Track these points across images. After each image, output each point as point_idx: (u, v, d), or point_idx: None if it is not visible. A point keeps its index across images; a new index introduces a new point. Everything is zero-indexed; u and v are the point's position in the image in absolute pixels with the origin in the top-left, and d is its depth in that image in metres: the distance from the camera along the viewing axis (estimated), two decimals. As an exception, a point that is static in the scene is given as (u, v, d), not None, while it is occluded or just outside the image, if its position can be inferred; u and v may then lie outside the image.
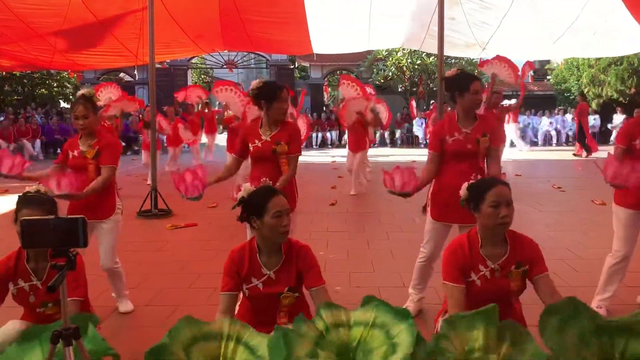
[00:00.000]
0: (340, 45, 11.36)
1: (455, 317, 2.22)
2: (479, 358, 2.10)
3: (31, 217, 1.73)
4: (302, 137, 4.23)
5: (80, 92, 3.78)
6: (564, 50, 10.49)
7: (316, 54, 12.00)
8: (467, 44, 10.00)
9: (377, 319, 2.27)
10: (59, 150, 18.76)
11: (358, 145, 8.99)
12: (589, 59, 21.20)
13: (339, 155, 16.19)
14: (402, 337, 2.16)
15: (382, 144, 21.18)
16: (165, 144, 12.89)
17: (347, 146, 9.83)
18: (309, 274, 2.54)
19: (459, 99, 3.45)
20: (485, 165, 3.54)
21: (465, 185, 2.64)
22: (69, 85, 26.42)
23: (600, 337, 2.19)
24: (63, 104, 26.30)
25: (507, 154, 11.66)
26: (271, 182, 2.97)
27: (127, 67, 23.75)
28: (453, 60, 22.41)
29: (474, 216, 3.35)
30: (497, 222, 2.44)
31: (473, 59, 23.42)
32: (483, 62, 7.18)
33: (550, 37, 9.21)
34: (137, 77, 24.30)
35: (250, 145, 3.69)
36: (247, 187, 2.60)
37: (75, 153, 3.72)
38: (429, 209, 3.68)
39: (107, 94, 8.55)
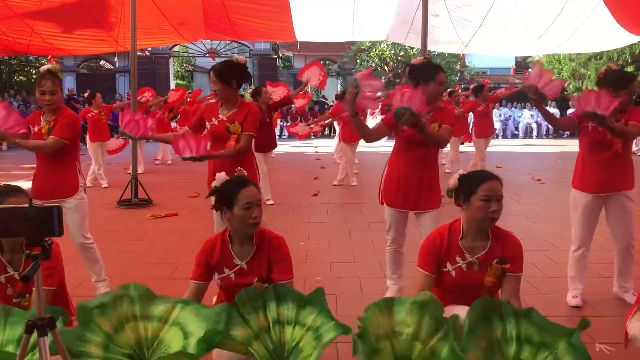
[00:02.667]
0: (324, 34, 11.31)
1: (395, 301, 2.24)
2: (404, 341, 2.13)
3: (3, 206, 1.69)
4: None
5: (45, 67, 3.70)
6: (545, 47, 10.54)
7: (299, 43, 11.93)
8: (449, 41, 10.01)
9: (315, 322, 2.23)
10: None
11: (352, 137, 9.02)
12: (569, 53, 21.44)
13: (322, 146, 16.19)
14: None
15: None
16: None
17: (338, 138, 9.87)
18: (278, 266, 2.50)
19: (424, 87, 3.45)
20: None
21: (456, 175, 2.61)
22: (48, 72, 25.94)
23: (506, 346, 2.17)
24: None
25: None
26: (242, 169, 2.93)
27: (107, 53, 23.45)
28: (437, 53, 22.48)
29: (427, 203, 3.45)
30: (486, 217, 2.43)
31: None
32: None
33: (532, 35, 9.26)
34: (117, 64, 23.96)
35: (207, 123, 3.74)
36: (220, 177, 2.58)
37: (36, 129, 3.70)
38: (381, 195, 3.68)
39: None
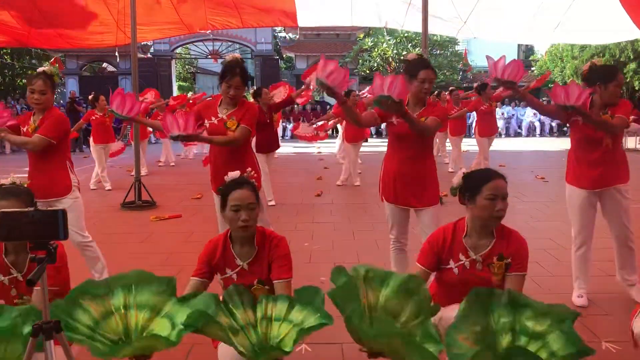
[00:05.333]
0: (324, 18, 11.28)
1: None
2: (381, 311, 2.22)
3: (9, 210, 1.70)
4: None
5: (41, 69, 3.73)
6: (541, 33, 10.42)
7: (301, 45, 11.84)
8: (449, 18, 9.91)
9: (301, 317, 2.20)
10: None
11: (355, 136, 9.04)
12: (572, 50, 21.39)
13: (325, 146, 16.18)
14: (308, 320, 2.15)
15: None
16: (156, 135, 12.79)
17: (342, 138, 9.89)
18: (275, 264, 2.48)
19: (409, 83, 3.45)
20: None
21: (460, 173, 2.61)
22: (51, 76, 26.00)
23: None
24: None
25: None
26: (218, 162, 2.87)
27: (109, 56, 23.48)
28: (438, 51, 22.51)
29: (423, 200, 3.46)
30: (492, 215, 2.44)
31: (458, 50, 23.55)
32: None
33: (526, 15, 9.19)
34: (119, 66, 24.04)
35: (206, 122, 3.73)
36: (232, 175, 2.58)
37: (25, 129, 3.71)
38: (380, 192, 3.71)
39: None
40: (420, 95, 3.47)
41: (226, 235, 2.58)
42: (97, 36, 10.38)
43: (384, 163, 3.67)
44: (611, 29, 8.94)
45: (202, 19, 10.38)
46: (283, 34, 30.11)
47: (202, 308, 2.12)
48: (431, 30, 8.60)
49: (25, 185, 2.65)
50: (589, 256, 3.82)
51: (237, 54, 3.89)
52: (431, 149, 3.62)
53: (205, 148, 11.35)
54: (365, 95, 11.33)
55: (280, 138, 9.08)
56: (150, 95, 11.36)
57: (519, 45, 30.61)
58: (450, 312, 2.37)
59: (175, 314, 2.19)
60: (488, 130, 9.28)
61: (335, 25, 12.61)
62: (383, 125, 19.16)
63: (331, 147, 14.94)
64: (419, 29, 7.47)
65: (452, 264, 2.54)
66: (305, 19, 10.75)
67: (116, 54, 12.06)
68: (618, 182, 3.66)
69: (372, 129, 21.33)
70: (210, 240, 2.61)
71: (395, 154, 3.55)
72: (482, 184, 2.46)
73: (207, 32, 11.46)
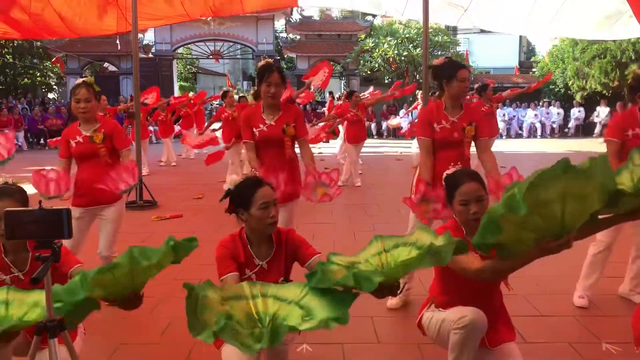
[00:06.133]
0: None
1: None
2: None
3: (14, 209, 1.70)
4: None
5: (80, 80, 3.76)
6: (539, 25, 10.39)
7: (302, 46, 11.77)
8: (449, 3, 9.86)
9: (386, 244, 2.14)
10: (42, 141, 18.53)
11: (357, 137, 9.05)
12: (573, 51, 21.38)
13: (326, 146, 16.18)
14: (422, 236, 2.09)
15: (369, 135, 21.21)
16: (159, 136, 12.84)
17: (343, 138, 9.90)
18: (300, 250, 2.50)
19: (447, 86, 3.45)
20: (478, 157, 3.58)
21: (444, 176, 2.61)
22: (52, 75, 26.12)
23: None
24: (50, 95, 26.01)
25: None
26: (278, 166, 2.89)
27: (111, 55, 23.51)
28: (440, 52, 22.49)
29: None
30: (469, 219, 2.43)
31: (460, 51, 23.54)
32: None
33: (525, 6, 9.17)
34: (121, 66, 24.05)
35: (255, 130, 3.64)
36: (232, 179, 2.57)
37: (80, 139, 3.68)
38: (413, 196, 3.68)
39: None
40: (461, 96, 3.48)
41: (241, 235, 2.55)
42: (99, 21, 10.24)
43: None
44: (608, 21, 8.89)
45: (203, 4, 10.33)
46: (284, 35, 30.11)
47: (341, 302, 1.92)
48: (432, 19, 8.58)
49: (17, 185, 2.64)
50: (606, 259, 3.77)
51: (268, 59, 3.85)
52: (469, 152, 3.59)
53: (205, 148, 11.38)
54: (366, 95, 11.34)
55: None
56: (151, 97, 11.35)
57: (520, 46, 30.63)
58: (453, 315, 2.37)
59: (310, 307, 1.98)
60: (489, 131, 9.27)
61: (335, 6, 12.54)
62: (384, 126, 18.83)
63: (332, 147, 14.94)
64: (419, 18, 7.47)
65: None
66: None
67: (117, 41, 11.84)
68: None
69: (373, 130, 21.36)
70: (223, 240, 2.53)
71: (437, 159, 3.47)
72: (454, 190, 2.46)
73: (208, 18, 11.27)
